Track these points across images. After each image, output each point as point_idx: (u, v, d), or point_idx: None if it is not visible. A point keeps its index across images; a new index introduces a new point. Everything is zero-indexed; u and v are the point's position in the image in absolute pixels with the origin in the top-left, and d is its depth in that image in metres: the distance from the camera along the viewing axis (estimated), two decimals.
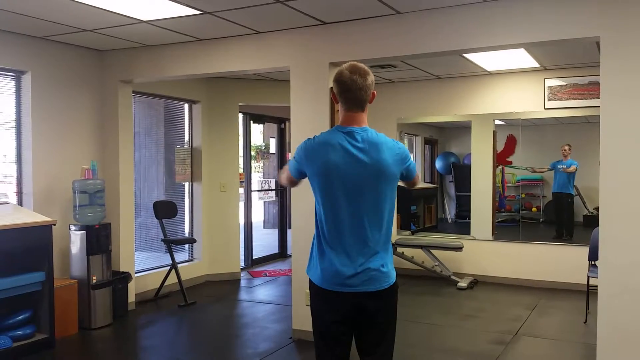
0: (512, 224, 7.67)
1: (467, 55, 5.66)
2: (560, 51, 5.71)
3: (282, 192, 8.86)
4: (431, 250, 7.01)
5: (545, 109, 6.65)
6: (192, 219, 7.11)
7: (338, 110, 2.40)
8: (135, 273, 5.99)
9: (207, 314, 5.72)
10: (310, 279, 2.36)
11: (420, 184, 2.61)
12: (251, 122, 8.15)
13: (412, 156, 2.45)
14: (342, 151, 2.24)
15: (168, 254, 6.14)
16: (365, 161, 2.23)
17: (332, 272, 2.25)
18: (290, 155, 8.07)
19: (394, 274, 2.33)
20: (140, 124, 6.82)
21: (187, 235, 7.13)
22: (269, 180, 8.81)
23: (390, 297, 2.32)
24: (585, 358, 4.41)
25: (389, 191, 2.28)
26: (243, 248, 7.82)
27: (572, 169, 7.26)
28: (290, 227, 7.16)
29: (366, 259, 2.24)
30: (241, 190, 7.70)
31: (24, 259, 4.58)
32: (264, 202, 12.06)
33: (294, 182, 2.52)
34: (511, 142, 7.64)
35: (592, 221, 6.55)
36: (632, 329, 3.66)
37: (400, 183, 2.39)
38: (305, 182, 2.43)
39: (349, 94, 2.28)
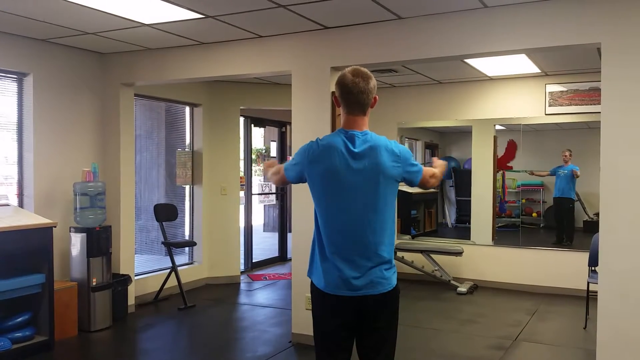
0: (512, 229, 7.67)
1: (468, 61, 5.68)
2: (561, 57, 5.71)
3: (282, 196, 8.86)
4: (431, 255, 7.00)
5: (546, 114, 6.66)
6: (192, 222, 7.11)
7: (339, 114, 2.41)
8: (135, 276, 5.99)
9: (207, 317, 5.71)
10: (312, 283, 2.36)
11: (432, 182, 2.52)
12: (252, 125, 8.16)
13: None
14: (343, 155, 2.25)
15: (168, 257, 6.14)
16: (363, 165, 2.24)
17: (335, 277, 2.25)
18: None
19: (395, 278, 2.33)
20: (141, 127, 6.83)
21: (187, 238, 7.13)
22: (269, 183, 8.82)
23: (391, 301, 2.32)
24: None
25: (388, 194, 2.27)
26: (243, 251, 7.82)
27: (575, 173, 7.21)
28: (290, 231, 7.16)
29: (368, 263, 2.24)
30: (242, 193, 7.70)
31: (25, 261, 4.59)
32: (264, 205, 12.06)
33: (284, 184, 2.58)
34: (512, 148, 7.64)
35: (592, 227, 6.55)
36: (632, 334, 3.66)
37: (408, 189, 2.39)
38: (303, 186, 2.43)
39: (351, 96, 2.29)
